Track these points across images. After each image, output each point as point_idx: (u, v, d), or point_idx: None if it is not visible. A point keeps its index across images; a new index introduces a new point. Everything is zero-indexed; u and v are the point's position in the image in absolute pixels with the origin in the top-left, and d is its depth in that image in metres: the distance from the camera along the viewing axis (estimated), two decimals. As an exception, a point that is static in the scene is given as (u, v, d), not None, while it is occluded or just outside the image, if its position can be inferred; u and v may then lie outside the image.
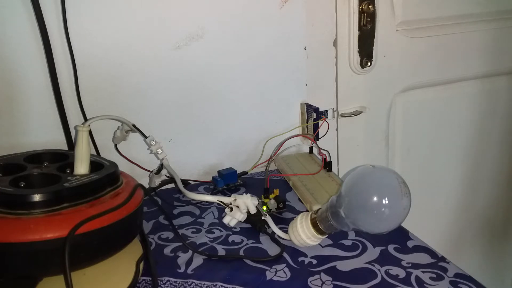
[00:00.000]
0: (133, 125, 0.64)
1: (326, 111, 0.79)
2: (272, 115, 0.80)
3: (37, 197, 0.42)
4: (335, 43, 0.81)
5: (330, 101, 0.84)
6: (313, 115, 0.77)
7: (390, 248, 0.54)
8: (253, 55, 0.75)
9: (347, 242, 0.55)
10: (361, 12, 0.80)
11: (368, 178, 0.49)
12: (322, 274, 0.49)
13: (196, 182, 0.74)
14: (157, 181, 0.69)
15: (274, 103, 0.79)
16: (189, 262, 0.52)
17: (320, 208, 0.52)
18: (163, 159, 0.65)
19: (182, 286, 0.49)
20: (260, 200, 0.62)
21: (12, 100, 0.63)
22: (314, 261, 0.52)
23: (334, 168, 0.79)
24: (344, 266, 0.51)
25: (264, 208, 0.62)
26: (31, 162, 0.52)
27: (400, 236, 0.56)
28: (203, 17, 0.70)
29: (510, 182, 1.12)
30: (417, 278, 0.48)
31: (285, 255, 0.53)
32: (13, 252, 0.41)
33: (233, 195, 0.59)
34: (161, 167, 0.67)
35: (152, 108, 0.71)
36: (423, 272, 0.49)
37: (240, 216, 0.58)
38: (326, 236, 0.53)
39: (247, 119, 0.78)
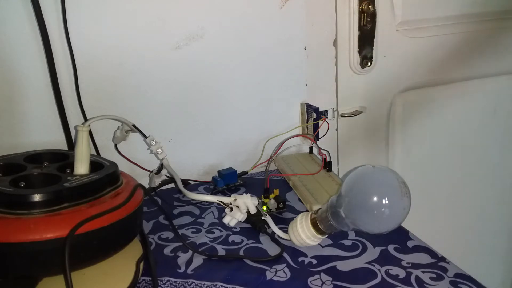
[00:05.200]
0: (133, 125, 0.64)
1: (326, 111, 0.79)
2: (272, 115, 0.80)
3: (37, 197, 0.42)
4: (335, 43, 0.81)
5: (330, 101, 0.84)
6: (313, 115, 0.77)
7: (390, 248, 0.54)
8: (253, 55, 0.75)
9: (347, 242, 0.55)
10: (361, 12, 0.80)
11: (368, 178, 0.49)
12: (322, 274, 0.49)
13: (196, 182, 0.74)
14: (157, 181, 0.69)
15: (274, 103, 0.79)
16: (189, 262, 0.52)
17: (320, 208, 0.52)
18: (163, 159, 0.65)
19: (182, 286, 0.49)
20: (260, 200, 0.62)
21: (12, 100, 0.63)
22: (314, 261, 0.52)
23: (334, 168, 0.79)
24: (344, 266, 0.51)
25: (264, 208, 0.62)
26: (31, 162, 0.52)
27: (400, 236, 0.56)
28: (203, 17, 0.70)
29: (510, 181, 1.12)
30: (417, 278, 0.48)
31: (285, 255, 0.53)
32: (13, 252, 0.41)
33: (233, 195, 0.59)
34: (161, 167, 0.67)
35: (152, 108, 0.71)
36: (423, 272, 0.49)
37: (240, 216, 0.58)
38: (326, 236, 0.53)
39: (247, 119, 0.78)
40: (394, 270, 0.49)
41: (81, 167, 0.51)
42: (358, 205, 0.47)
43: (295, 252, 0.54)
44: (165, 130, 0.73)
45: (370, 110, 0.87)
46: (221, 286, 0.48)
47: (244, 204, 0.58)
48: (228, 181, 0.71)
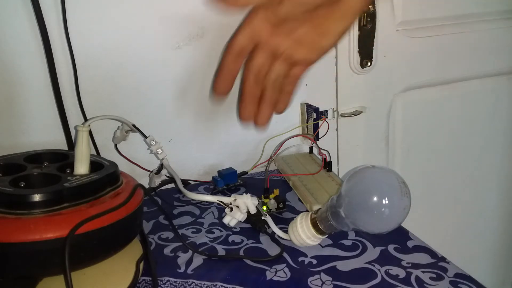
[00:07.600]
0: (133, 125, 0.64)
1: (326, 111, 0.79)
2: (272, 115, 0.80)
3: (37, 197, 0.42)
4: (335, 43, 0.81)
5: (330, 101, 0.84)
6: (313, 115, 0.77)
7: (390, 248, 0.54)
8: (253, 55, 0.75)
9: (347, 242, 0.55)
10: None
11: (368, 178, 0.49)
12: (322, 274, 0.49)
13: (196, 182, 0.74)
14: (157, 181, 0.69)
15: (274, 103, 0.79)
16: (189, 262, 0.52)
17: (320, 208, 0.52)
18: (163, 159, 0.65)
19: (182, 286, 0.49)
20: (260, 200, 0.62)
21: (12, 100, 0.63)
22: (314, 261, 0.52)
23: (334, 168, 0.79)
24: (344, 266, 0.51)
25: (264, 208, 0.62)
26: (31, 162, 0.52)
27: (400, 236, 0.56)
28: (203, 17, 0.70)
29: (510, 181, 1.12)
30: (417, 278, 0.48)
31: (285, 255, 0.53)
32: (13, 252, 0.41)
33: (233, 195, 0.59)
34: (161, 167, 0.67)
35: (152, 108, 0.71)
36: (423, 272, 0.49)
37: (240, 216, 0.58)
38: (326, 236, 0.53)
39: (247, 119, 0.78)
40: (394, 270, 0.49)
41: (81, 167, 0.51)
42: (358, 205, 0.47)
43: (295, 252, 0.54)
44: (165, 130, 0.72)
45: (370, 110, 0.87)
46: (221, 286, 0.48)
47: (244, 204, 0.58)
48: (228, 181, 0.71)
